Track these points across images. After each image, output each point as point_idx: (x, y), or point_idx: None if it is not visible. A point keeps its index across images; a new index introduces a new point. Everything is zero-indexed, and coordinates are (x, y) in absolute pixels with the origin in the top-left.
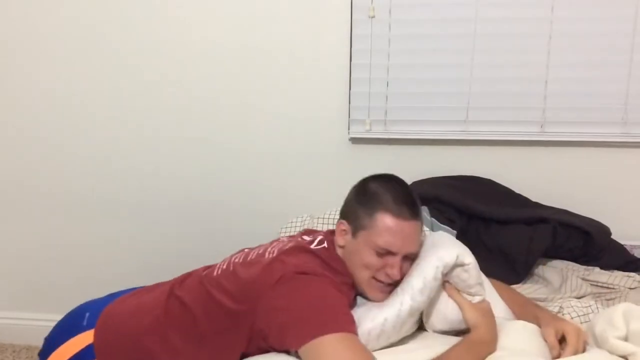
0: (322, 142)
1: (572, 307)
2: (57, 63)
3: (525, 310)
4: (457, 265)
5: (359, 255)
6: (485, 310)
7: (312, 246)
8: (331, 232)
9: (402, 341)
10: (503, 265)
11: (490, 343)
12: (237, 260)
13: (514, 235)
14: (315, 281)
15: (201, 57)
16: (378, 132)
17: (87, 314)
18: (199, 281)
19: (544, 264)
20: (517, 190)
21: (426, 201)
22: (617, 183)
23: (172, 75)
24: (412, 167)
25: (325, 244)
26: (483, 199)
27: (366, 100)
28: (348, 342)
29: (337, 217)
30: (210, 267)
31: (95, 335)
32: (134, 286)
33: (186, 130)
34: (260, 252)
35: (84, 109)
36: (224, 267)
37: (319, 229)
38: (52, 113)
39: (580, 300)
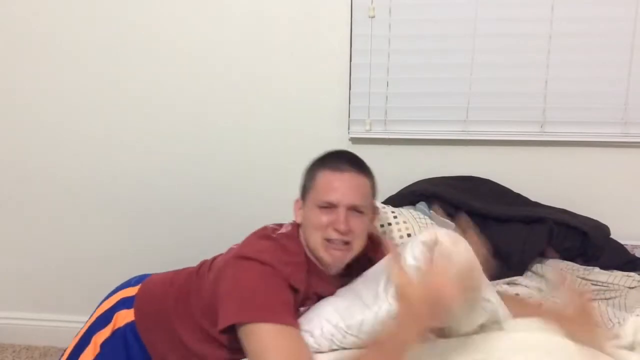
0: (322, 142)
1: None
2: (56, 62)
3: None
4: (432, 248)
5: (309, 218)
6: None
7: (279, 232)
8: None
9: None
10: (498, 263)
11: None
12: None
13: (510, 233)
14: (254, 270)
15: (200, 57)
16: (378, 132)
17: (136, 279)
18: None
19: (542, 263)
20: (516, 190)
21: (424, 197)
22: (617, 183)
23: (171, 75)
24: (412, 167)
25: (290, 228)
26: (481, 197)
27: (366, 100)
28: (289, 334)
29: None
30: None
31: (139, 290)
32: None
33: (185, 130)
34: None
35: (84, 109)
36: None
37: None
38: (52, 113)
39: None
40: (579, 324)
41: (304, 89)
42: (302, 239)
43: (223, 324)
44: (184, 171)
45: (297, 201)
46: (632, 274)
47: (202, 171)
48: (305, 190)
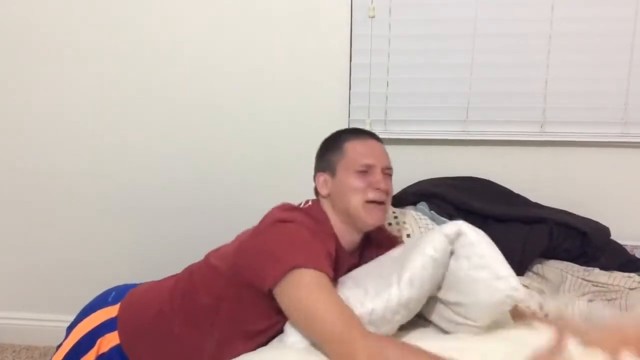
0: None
1: (577, 305)
2: (55, 62)
3: None
4: (455, 241)
5: (345, 186)
6: None
7: (299, 206)
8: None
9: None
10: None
11: None
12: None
13: (511, 234)
14: (293, 226)
15: (200, 57)
16: (378, 132)
17: (113, 293)
18: (206, 257)
19: (543, 264)
20: (516, 190)
21: (425, 197)
22: (617, 183)
23: (172, 75)
24: (411, 167)
25: (310, 203)
26: (481, 197)
27: (366, 100)
28: (323, 280)
29: None
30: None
31: (120, 310)
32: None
33: (185, 130)
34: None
35: (83, 110)
36: (229, 242)
37: None
38: (50, 113)
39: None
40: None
41: (304, 89)
42: (331, 207)
43: (270, 280)
44: (183, 171)
45: (319, 175)
46: (632, 274)
47: (201, 171)
48: (332, 162)
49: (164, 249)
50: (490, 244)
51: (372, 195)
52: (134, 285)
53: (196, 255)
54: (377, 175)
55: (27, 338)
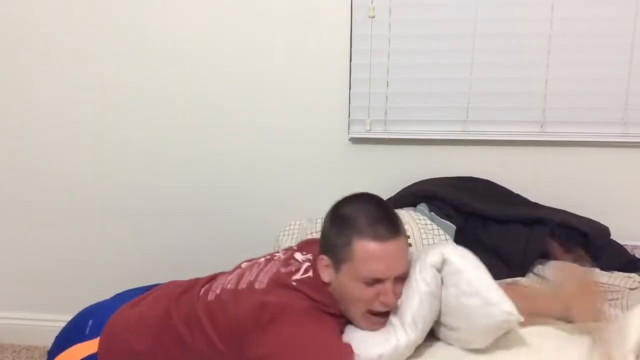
0: (322, 142)
1: None
2: (55, 62)
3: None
4: (442, 268)
5: (348, 290)
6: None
7: (296, 277)
8: None
9: None
10: (499, 265)
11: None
12: (230, 286)
13: (511, 235)
14: (301, 319)
15: (200, 57)
16: (378, 132)
17: (90, 322)
18: (192, 306)
19: (543, 264)
20: (516, 191)
21: (425, 198)
22: (617, 183)
23: (172, 75)
24: (412, 167)
25: (310, 273)
26: (481, 198)
27: (366, 100)
28: None
29: None
30: (207, 284)
31: (100, 347)
32: (136, 286)
33: (185, 130)
34: (252, 278)
35: (82, 110)
36: (218, 292)
37: (316, 235)
38: (50, 113)
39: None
40: (578, 299)
41: (304, 89)
42: (331, 291)
43: None
44: (183, 173)
45: (322, 259)
46: (632, 275)
47: (201, 172)
48: (338, 255)
49: (164, 249)
50: (476, 268)
51: (377, 307)
52: (111, 307)
53: (196, 254)
54: (388, 289)
55: (27, 338)
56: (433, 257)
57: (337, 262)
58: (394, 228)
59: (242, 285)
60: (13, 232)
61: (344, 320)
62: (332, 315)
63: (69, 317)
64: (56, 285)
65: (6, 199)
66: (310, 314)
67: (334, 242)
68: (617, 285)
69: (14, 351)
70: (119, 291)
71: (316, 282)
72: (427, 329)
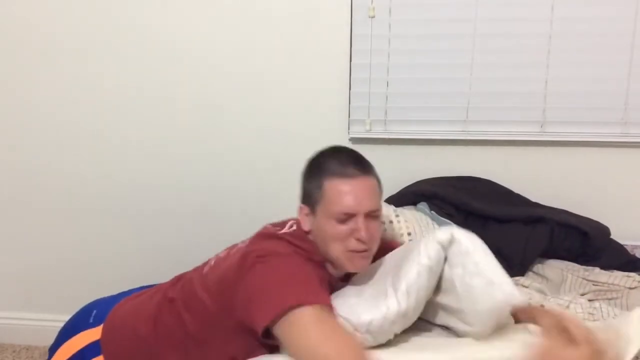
0: (322, 142)
1: (579, 304)
2: (55, 62)
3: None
4: (448, 248)
5: (324, 230)
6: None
7: (281, 231)
8: None
9: (405, 339)
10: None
11: None
12: (222, 255)
13: (511, 234)
14: (280, 260)
15: (200, 57)
16: (378, 132)
17: (95, 312)
18: (190, 282)
19: (543, 263)
20: (517, 191)
21: (425, 197)
22: (617, 183)
23: (172, 75)
24: (412, 167)
25: (294, 227)
26: (481, 197)
27: (366, 100)
28: (322, 314)
29: None
30: (205, 263)
31: (103, 333)
32: (136, 286)
33: (185, 130)
34: (240, 245)
35: (82, 110)
36: (212, 263)
37: None
38: (50, 114)
39: (590, 301)
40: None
41: (304, 89)
42: (314, 241)
43: (263, 322)
44: (182, 172)
45: (301, 207)
46: (632, 274)
47: (201, 171)
48: (312, 199)
49: (164, 248)
50: (484, 250)
51: (353, 245)
52: (115, 300)
53: (196, 255)
54: (360, 223)
55: (27, 338)
56: (442, 235)
57: (313, 205)
58: (363, 168)
59: (233, 250)
60: (13, 232)
61: (328, 274)
62: (316, 262)
63: (69, 317)
64: (56, 285)
65: (6, 199)
66: (294, 257)
67: (309, 188)
68: (617, 285)
69: (14, 351)
70: (119, 291)
71: (300, 233)
72: (420, 304)
